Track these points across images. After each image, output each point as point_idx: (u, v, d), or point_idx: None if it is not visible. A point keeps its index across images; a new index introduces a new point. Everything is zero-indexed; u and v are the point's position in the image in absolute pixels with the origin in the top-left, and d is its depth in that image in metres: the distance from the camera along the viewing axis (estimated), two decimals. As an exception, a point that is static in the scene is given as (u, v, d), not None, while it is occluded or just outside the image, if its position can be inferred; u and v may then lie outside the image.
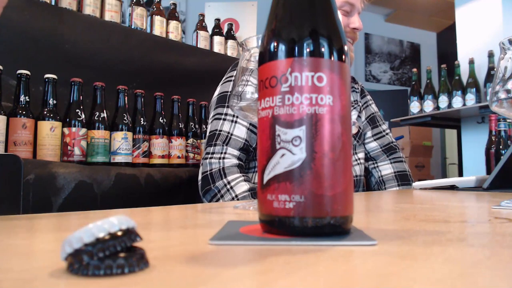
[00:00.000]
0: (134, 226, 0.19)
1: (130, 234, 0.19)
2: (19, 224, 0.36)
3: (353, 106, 1.16)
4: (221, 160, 0.88)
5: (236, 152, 0.89)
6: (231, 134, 0.91)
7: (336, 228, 0.26)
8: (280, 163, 0.26)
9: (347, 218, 0.27)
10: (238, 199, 0.83)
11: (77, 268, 0.18)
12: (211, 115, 0.98)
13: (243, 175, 0.87)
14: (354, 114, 1.16)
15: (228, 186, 0.85)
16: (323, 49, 0.27)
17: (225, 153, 0.89)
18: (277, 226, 0.26)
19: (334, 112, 0.26)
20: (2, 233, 0.30)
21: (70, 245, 0.18)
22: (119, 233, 0.19)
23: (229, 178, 0.86)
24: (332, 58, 0.27)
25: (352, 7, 1.04)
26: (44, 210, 0.61)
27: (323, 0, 0.28)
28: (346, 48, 0.28)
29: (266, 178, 0.27)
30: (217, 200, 0.86)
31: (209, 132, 0.95)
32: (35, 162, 0.91)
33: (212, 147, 0.91)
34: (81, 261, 0.18)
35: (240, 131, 0.91)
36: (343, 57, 0.28)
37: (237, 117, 0.92)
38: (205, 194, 0.88)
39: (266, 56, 0.28)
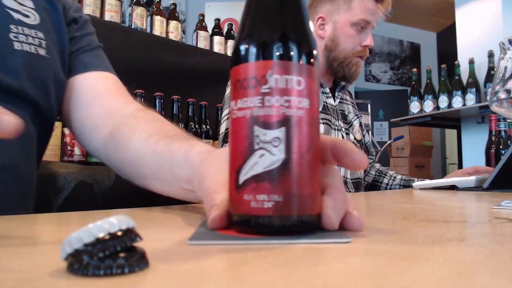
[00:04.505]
0: (134, 226, 0.19)
1: (130, 234, 0.19)
2: (19, 224, 0.36)
3: (357, 115, 1.24)
4: None
5: None
6: None
7: (313, 226, 0.27)
8: (259, 163, 0.26)
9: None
10: None
11: (77, 268, 0.18)
12: (223, 114, 0.98)
13: None
14: (357, 123, 1.22)
15: None
16: (302, 54, 0.28)
17: None
18: (255, 226, 0.27)
19: (310, 114, 0.27)
20: (2, 233, 0.30)
21: (70, 245, 0.18)
22: (119, 233, 0.19)
23: None
24: (310, 63, 0.28)
25: (367, 24, 1.04)
26: (44, 210, 0.61)
27: (302, 5, 0.30)
28: (315, 52, 0.29)
29: (242, 178, 0.27)
30: None
31: (221, 133, 0.96)
32: (35, 162, 0.91)
33: (221, 146, 0.93)
34: (81, 261, 0.18)
35: None
36: (314, 61, 0.29)
37: None
38: None
39: (245, 56, 0.28)
